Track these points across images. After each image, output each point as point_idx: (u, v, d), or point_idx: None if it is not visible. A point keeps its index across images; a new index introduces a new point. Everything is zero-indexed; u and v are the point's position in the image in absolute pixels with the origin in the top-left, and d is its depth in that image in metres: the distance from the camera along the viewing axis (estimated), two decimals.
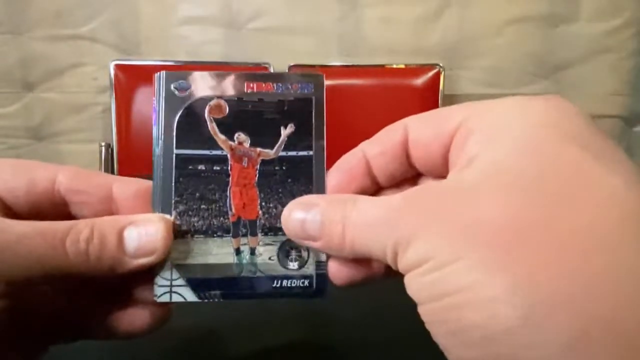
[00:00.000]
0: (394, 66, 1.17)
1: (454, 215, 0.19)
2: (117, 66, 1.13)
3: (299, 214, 0.23)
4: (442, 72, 1.14)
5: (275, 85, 0.25)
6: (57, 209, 0.24)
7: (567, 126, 0.19)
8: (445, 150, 0.22)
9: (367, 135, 0.25)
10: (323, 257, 0.24)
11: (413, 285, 0.20)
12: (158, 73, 0.25)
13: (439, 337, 0.19)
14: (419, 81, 1.14)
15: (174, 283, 0.24)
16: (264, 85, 0.25)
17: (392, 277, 0.23)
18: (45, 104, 1.22)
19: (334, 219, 0.22)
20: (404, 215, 0.20)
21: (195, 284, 0.24)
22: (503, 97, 0.21)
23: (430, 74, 1.15)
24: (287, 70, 1.14)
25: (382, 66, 1.17)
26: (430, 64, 1.16)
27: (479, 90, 1.24)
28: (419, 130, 0.23)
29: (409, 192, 0.21)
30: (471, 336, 0.17)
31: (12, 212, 0.23)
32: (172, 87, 0.25)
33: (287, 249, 0.24)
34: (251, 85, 0.25)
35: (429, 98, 1.14)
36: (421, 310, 0.20)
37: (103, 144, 1.15)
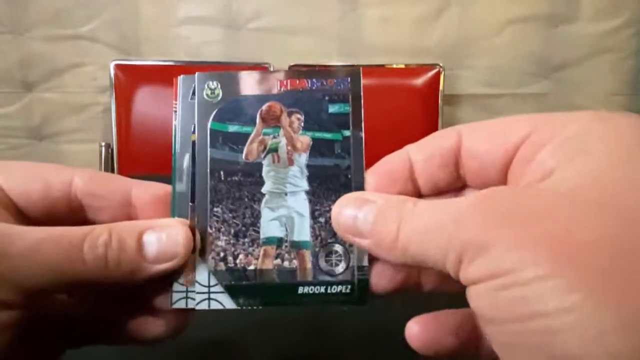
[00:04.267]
0: (394, 66, 1.17)
1: (540, 226, 0.16)
2: (117, 66, 1.12)
3: (351, 211, 0.21)
4: (442, 72, 1.14)
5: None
6: (73, 213, 0.23)
7: None
8: (506, 163, 0.20)
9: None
10: (365, 262, 0.23)
11: (484, 300, 0.17)
12: (184, 76, 0.24)
13: None
14: (419, 81, 1.14)
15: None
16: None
17: (441, 288, 0.22)
18: (45, 104, 1.22)
19: (389, 217, 0.20)
20: (475, 219, 0.18)
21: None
22: (573, 112, 0.20)
23: (430, 74, 1.14)
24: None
25: (382, 66, 1.17)
26: (430, 64, 1.15)
27: (479, 90, 1.24)
28: (476, 140, 0.21)
29: (479, 195, 0.18)
30: None
31: (25, 217, 0.23)
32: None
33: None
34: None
35: (429, 98, 1.14)
36: (493, 329, 0.17)
37: (103, 144, 1.15)
